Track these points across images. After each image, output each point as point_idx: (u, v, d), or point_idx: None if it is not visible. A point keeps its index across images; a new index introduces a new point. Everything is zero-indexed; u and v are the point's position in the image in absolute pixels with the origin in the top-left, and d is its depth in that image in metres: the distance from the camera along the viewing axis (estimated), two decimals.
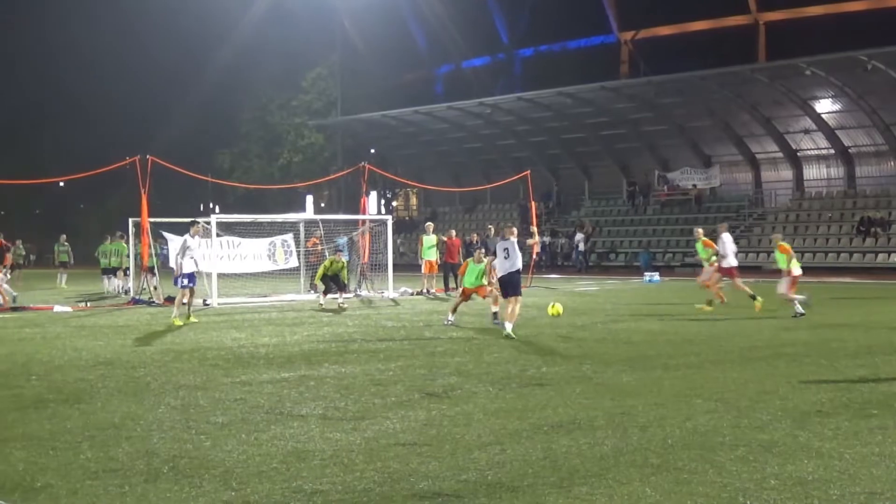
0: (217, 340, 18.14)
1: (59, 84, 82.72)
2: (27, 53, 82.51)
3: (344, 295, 27.54)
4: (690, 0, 62.18)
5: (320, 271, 27.36)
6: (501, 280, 19.25)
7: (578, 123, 58.50)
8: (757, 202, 55.03)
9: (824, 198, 51.99)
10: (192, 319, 22.19)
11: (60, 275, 40.45)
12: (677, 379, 12.85)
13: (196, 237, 22.85)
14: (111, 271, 35.64)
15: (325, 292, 27.19)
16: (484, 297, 21.77)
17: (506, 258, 19.02)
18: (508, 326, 18.17)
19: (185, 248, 22.51)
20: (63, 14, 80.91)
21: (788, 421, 9.94)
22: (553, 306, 22.15)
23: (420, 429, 9.69)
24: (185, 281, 22.22)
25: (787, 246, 23.25)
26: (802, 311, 21.83)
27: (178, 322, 21.52)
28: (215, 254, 29.54)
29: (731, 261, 24.73)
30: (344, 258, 28.91)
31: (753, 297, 23.74)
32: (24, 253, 43.20)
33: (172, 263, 30.32)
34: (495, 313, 20.84)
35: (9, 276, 26.68)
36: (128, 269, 32.88)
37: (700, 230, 26.31)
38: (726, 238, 24.85)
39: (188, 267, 22.33)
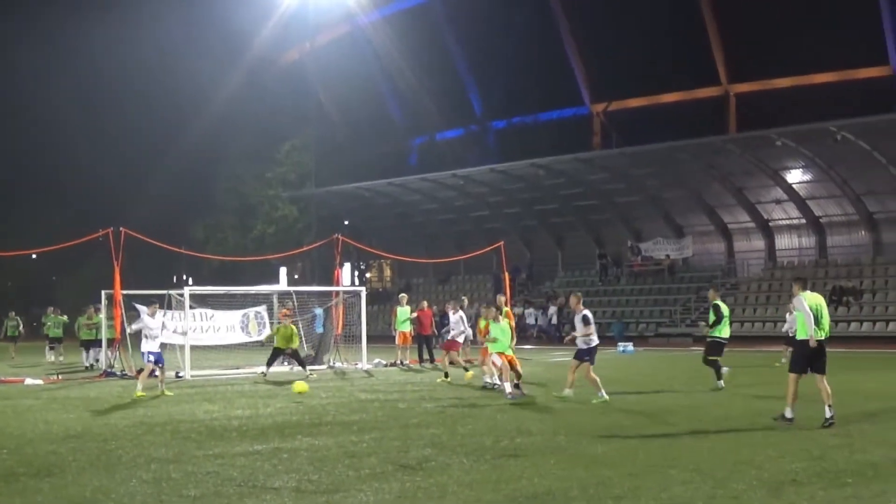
0: (190, 412, 18.01)
1: (30, 155, 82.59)
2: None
3: (311, 367, 27.58)
4: (661, 72, 62.83)
5: (277, 341, 27.77)
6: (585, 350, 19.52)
7: (552, 194, 58.82)
8: (730, 272, 55.29)
9: (796, 267, 52.24)
10: (168, 393, 21.94)
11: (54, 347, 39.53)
12: (653, 449, 12.84)
13: (155, 316, 22.90)
14: (57, 341, 37.54)
15: (270, 363, 27.75)
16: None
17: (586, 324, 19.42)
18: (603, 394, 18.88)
19: (143, 327, 22.83)
20: (35, 84, 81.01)
21: (763, 490, 9.95)
22: (296, 384, 22.16)
23: (394, 501, 9.64)
24: (152, 357, 22.36)
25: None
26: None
27: (140, 394, 21.50)
28: (188, 326, 29.36)
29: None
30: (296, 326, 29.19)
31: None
32: (16, 324, 42.76)
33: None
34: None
35: None
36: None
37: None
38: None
39: (149, 346, 22.48)
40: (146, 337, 22.66)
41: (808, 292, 15.64)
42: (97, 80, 78.18)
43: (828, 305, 16.70)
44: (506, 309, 25.23)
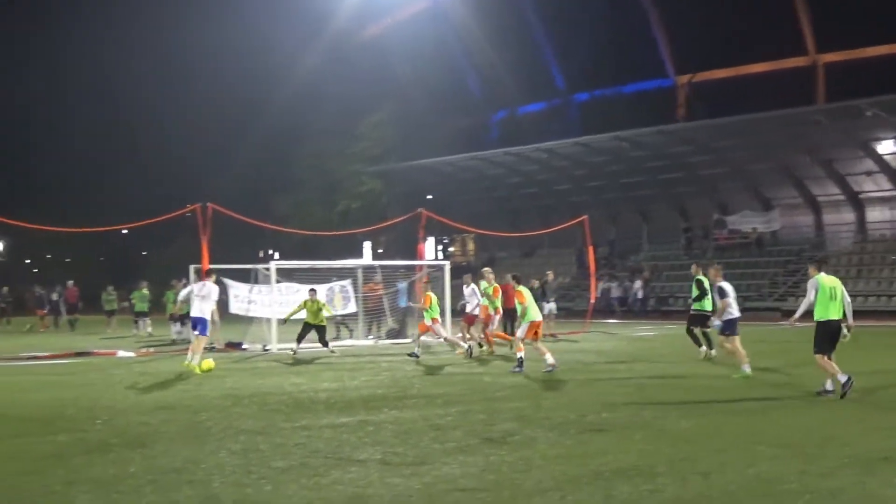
0: (277, 385, 18.20)
1: (118, 133, 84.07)
2: (87, 106, 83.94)
3: (396, 341, 27.52)
4: (747, 43, 61.92)
5: (294, 310, 27.11)
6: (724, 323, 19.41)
7: (636, 167, 58.34)
8: (819, 245, 54.35)
9: (888, 240, 51.31)
10: (201, 367, 21.19)
11: (139, 322, 40.10)
12: (739, 424, 12.71)
13: (205, 284, 22.53)
14: (143, 315, 38.89)
15: (300, 339, 26.41)
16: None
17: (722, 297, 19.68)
18: (747, 368, 18.51)
19: (192, 295, 22.48)
20: (121, 63, 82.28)
21: (855, 468, 9.78)
22: (205, 362, 21.40)
23: (479, 474, 9.65)
24: (200, 327, 21.95)
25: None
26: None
27: (196, 367, 21.05)
28: (275, 300, 29.68)
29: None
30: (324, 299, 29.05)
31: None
32: (114, 298, 43.62)
33: (233, 309, 30.56)
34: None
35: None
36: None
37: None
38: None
39: (197, 312, 22.04)
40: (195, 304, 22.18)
41: (824, 274, 15.83)
42: (182, 57, 79.21)
43: None
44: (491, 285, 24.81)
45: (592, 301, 40.20)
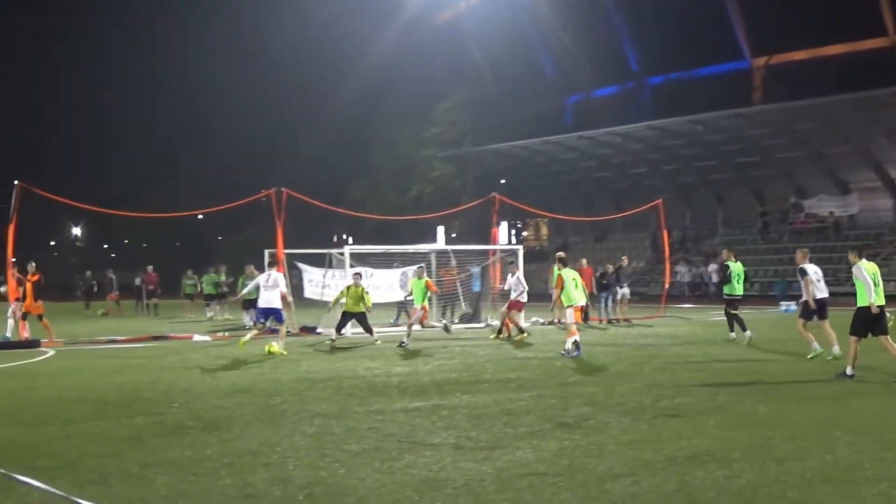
0: (351, 369, 18.32)
1: (191, 118, 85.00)
2: (165, 95, 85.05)
3: (469, 325, 27.44)
4: (825, 24, 60.89)
5: (338, 296, 26.07)
6: (820, 302, 19.31)
7: (711, 151, 57.84)
8: None
9: None
10: (270, 349, 21.80)
11: (215, 305, 40.53)
12: (816, 410, 12.57)
13: (270, 274, 23.00)
14: (211, 298, 39.72)
15: (340, 328, 25.28)
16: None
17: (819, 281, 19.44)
18: (836, 350, 18.43)
19: (260, 286, 22.96)
20: (195, 50, 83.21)
21: None
22: (271, 345, 22.04)
23: (552, 459, 9.65)
24: (275, 315, 22.57)
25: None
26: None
27: (277, 350, 21.68)
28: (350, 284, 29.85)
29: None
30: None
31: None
32: (194, 283, 44.02)
33: (308, 293, 30.77)
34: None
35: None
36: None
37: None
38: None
39: (265, 303, 22.55)
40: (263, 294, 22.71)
41: (865, 260, 16.07)
42: (258, 46, 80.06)
43: None
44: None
45: (667, 286, 39.94)
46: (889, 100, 48.35)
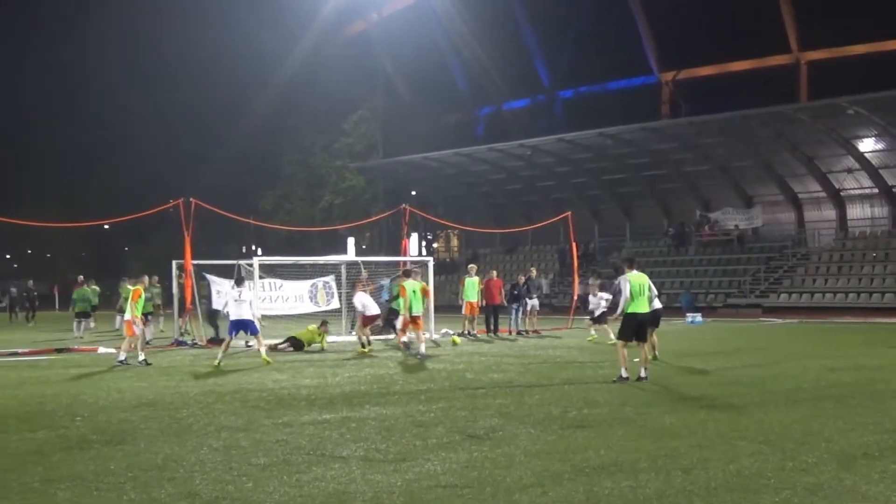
0: (259, 382, 18.18)
1: (103, 127, 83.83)
2: (75, 105, 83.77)
3: (377, 337, 27.59)
4: (731, 40, 62.08)
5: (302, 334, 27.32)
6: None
7: (619, 164, 58.50)
8: (800, 242, 54.61)
9: (868, 237, 51.57)
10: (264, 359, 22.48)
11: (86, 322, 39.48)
12: (721, 421, 12.74)
13: (242, 291, 23.24)
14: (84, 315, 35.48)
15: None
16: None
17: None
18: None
19: (230, 300, 23.29)
20: (105, 60, 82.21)
21: (834, 464, 9.83)
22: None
23: (461, 471, 9.66)
24: (251, 328, 23.12)
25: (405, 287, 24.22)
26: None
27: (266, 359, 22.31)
28: (258, 296, 29.61)
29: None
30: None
31: None
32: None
33: (216, 305, 30.49)
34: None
35: None
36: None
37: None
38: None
39: (236, 315, 22.87)
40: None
41: (634, 272, 17.56)
42: (167, 55, 79.05)
43: None
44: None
45: (575, 298, 40.28)
46: (793, 115, 49.32)
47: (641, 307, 17.30)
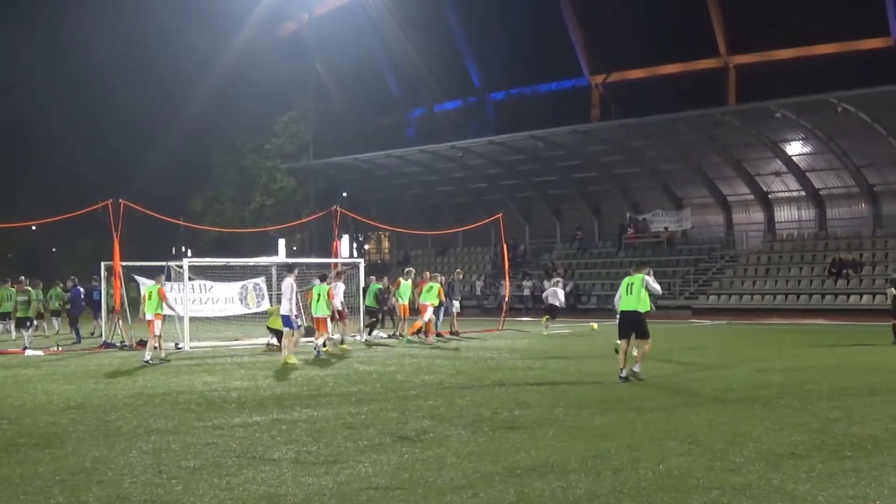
0: (189, 384, 18.03)
1: (31, 127, 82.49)
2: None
3: (306, 339, 27.54)
4: (661, 44, 62.64)
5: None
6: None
7: (550, 166, 58.72)
8: (729, 244, 55.19)
9: (796, 240, 52.24)
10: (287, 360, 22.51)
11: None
12: (651, 421, 12.85)
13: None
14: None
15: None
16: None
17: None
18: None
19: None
20: (34, 59, 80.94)
21: (762, 463, 9.96)
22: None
23: (392, 472, 9.66)
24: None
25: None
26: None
27: (291, 360, 22.48)
28: (187, 297, 29.34)
29: None
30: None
31: None
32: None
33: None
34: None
35: None
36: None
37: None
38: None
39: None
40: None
41: (632, 272, 18.75)
42: (96, 55, 77.88)
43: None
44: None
45: (506, 299, 40.39)
46: (721, 119, 49.85)
47: (625, 306, 18.13)
